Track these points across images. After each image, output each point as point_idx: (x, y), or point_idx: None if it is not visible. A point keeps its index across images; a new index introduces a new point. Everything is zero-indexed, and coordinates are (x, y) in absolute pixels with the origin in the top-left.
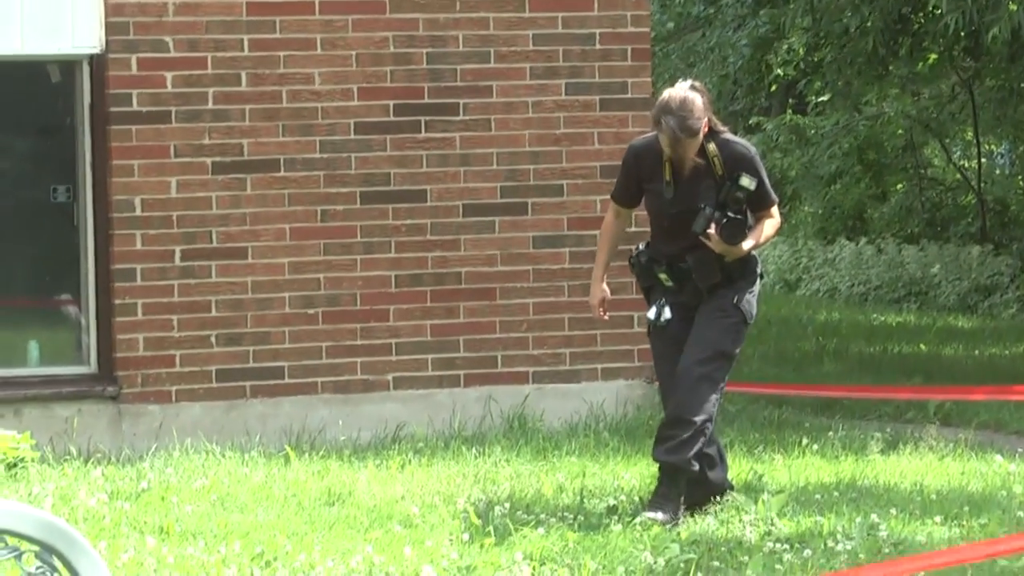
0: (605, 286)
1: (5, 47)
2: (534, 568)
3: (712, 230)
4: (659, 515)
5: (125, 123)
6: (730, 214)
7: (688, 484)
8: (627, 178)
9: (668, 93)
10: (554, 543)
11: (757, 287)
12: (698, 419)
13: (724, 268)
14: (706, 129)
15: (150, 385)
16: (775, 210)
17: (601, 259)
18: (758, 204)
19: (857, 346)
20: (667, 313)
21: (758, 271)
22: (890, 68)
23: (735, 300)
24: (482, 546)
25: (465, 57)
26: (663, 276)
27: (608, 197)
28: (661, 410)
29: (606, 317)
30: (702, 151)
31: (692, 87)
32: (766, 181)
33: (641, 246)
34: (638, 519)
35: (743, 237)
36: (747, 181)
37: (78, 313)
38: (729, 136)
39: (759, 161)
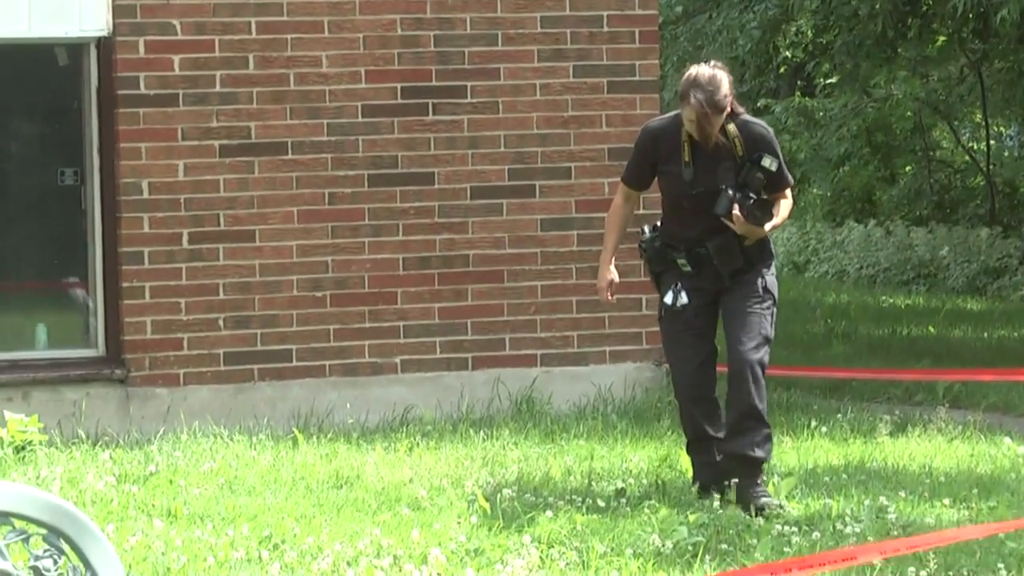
0: (614, 269)
1: (13, 30)
2: (542, 551)
3: (736, 211)
4: (766, 500)
5: (132, 106)
6: (751, 195)
7: (708, 466)
8: (642, 160)
9: (696, 69)
10: (562, 526)
11: (774, 267)
12: (765, 409)
13: (745, 252)
14: (729, 109)
15: (158, 368)
16: (789, 192)
17: (610, 242)
18: (776, 185)
19: (866, 328)
20: (684, 298)
21: (774, 252)
22: (899, 50)
23: (763, 284)
24: (490, 529)
25: (473, 40)
26: (681, 261)
27: (618, 179)
28: (670, 393)
29: (614, 300)
30: (723, 132)
31: (715, 66)
32: (783, 162)
33: (647, 229)
34: (750, 508)
35: (770, 218)
36: (768, 162)
37: (86, 296)
38: (748, 117)
39: (776, 142)
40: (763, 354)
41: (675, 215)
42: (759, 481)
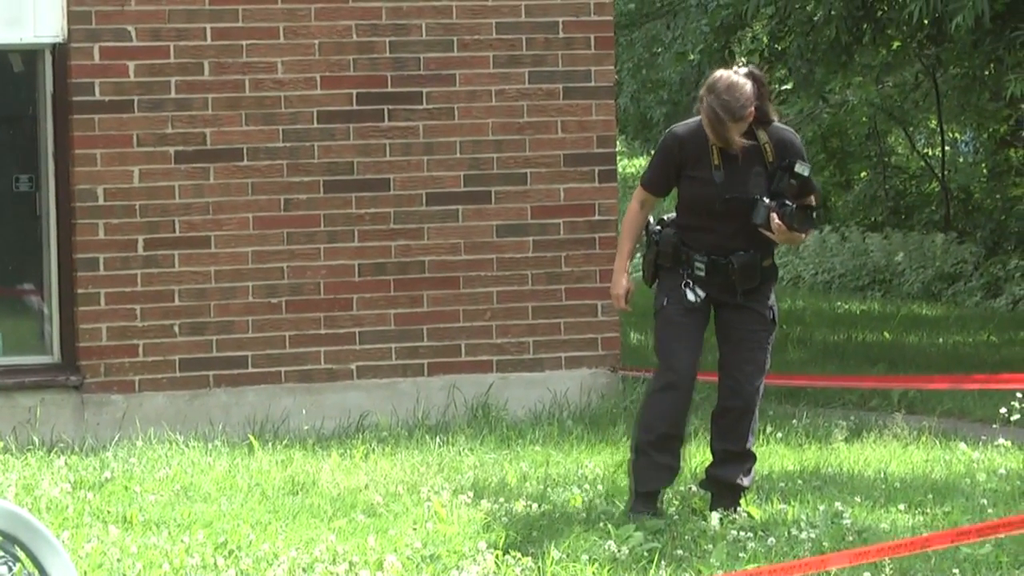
0: (628, 276)
1: None
2: (497, 556)
3: (776, 220)
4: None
5: (87, 112)
6: (786, 202)
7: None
8: (667, 165)
9: (719, 73)
10: (518, 532)
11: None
12: (754, 444)
13: (762, 270)
14: (754, 115)
15: (113, 374)
16: (813, 199)
17: (627, 250)
18: (805, 191)
19: (821, 334)
20: (700, 292)
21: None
22: (854, 56)
23: (773, 313)
24: (445, 535)
25: (428, 45)
26: (699, 264)
27: (574, 185)
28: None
29: (629, 308)
30: (753, 137)
31: (749, 73)
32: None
33: (652, 219)
34: (726, 515)
35: (812, 225)
36: (801, 167)
37: (41, 302)
38: (779, 124)
39: (803, 148)
40: (760, 390)
41: (700, 220)
42: (736, 497)
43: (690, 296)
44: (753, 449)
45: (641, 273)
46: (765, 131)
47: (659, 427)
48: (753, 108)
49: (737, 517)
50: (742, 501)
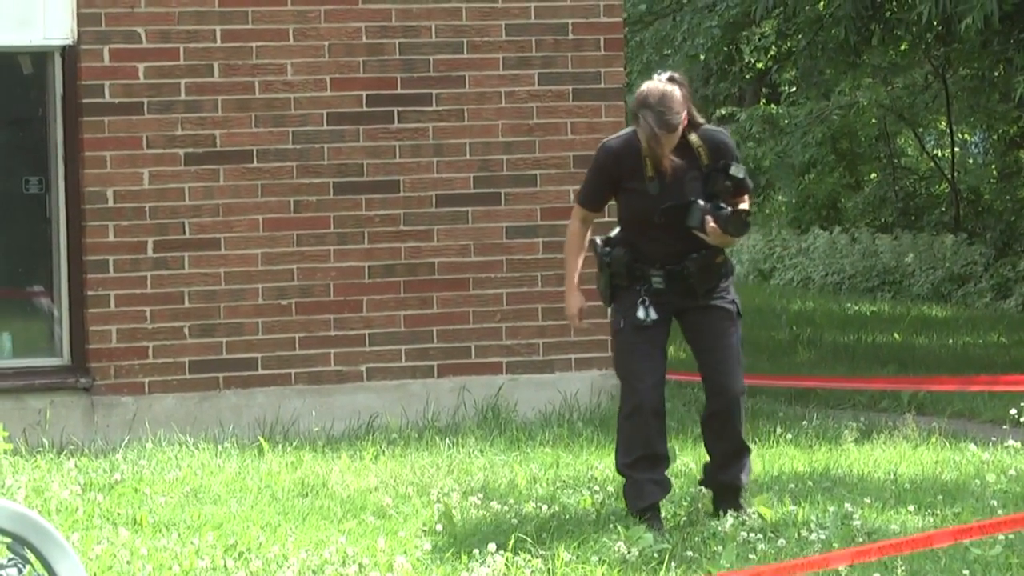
0: (581, 294)
1: None
2: (507, 558)
3: (711, 223)
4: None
5: (97, 114)
6: (722, 205)
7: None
8: (601, 180)
9: (647, 87)
10: (528, 533)
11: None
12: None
13: (717, 268)
14: (686, 121)
15: (123, 377)
16: (748, 198)
17: (574, 267)
18: (740, 192)
19: (831, 335)
20: (653, 312)
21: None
22: (863, 56)
23: (736, 306)
24: (455, 537)
25: (438, 47)
26: (656, 278)
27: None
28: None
29: (586, 325)
30: (686, 143)
31: (671, 79)
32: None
33: (599, 240)
34: (736, 516)
35: (747, 228)
36: (736, 169)
37: (50, 305)
38: (708, 126)
39: (736, 148)
40: (743, 383)
41: (643, 232)
42: (742, 504)
43: (641, 314)
44: (748, 442)
45: (600, 296)
46: (696, 134)
47: (635, 451)
48: (685, 114)
49: (747, 518)
50: (743, 499)
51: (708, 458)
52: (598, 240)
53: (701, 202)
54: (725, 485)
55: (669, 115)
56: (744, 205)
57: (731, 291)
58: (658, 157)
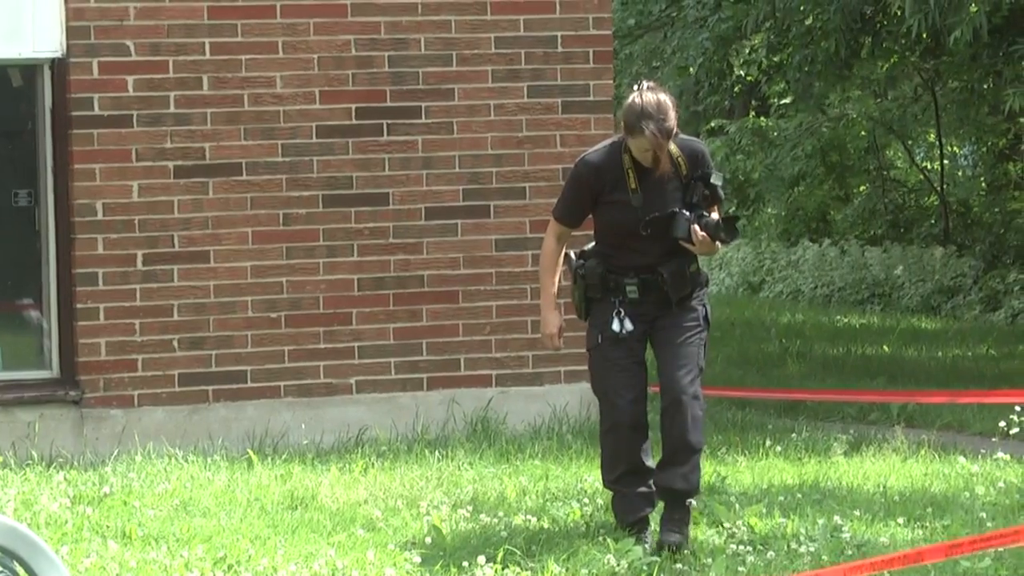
0: (559, 312)
1: None
2: (497, 571)
3: (699, 232)
4: (678, 537)
5: (86, 127)
6: (704, 213)
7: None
8: (582, 195)
9: (641, 98)
10: (517, 546)
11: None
12: (701, 440)
13: (691, 277)
14: None
15: (113, 389)
16: (718, 208)
17: (551, 286)
18: (715, 201)
19: (821, 348)
20: (629, 324)
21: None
22: (853, 69)
23: (704, 312)
24: (445, 549)
25: (427, 60)
26: (630, 288)
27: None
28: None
29: (562, 346)
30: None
31: (655, 88)
32: None
33: (575, 256)
34: (655, 542)
35: (739, 234)
36: (716, 178)
37: (40, 317)
38: (684, 135)
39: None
40: (698, 386)
41: (622, 243)
42: (678, 516)
43: (615, 327)
44: (699, 446)
45: (575, 310)
46: (675, 144)
47: (620, 466)
48: None
49: (676, 541)
50: (684, 513)
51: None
52: (572, 254)
53: (685, 212)
54: (663, 487)
55: (668, 122)
56: (715, 215)
57: (704, 300)
58: (661, 164)
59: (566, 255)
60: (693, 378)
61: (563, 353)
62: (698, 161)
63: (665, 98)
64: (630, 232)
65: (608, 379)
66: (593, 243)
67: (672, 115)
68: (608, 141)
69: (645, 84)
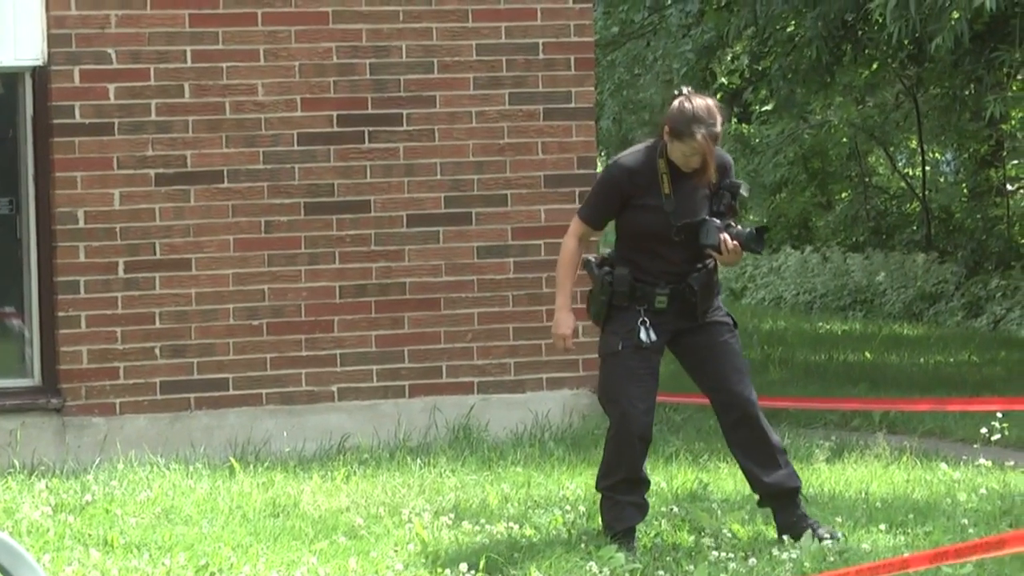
0: (573, 314)
1: None
2: None
3: (729, 241)
4: (828, 527)
5: (68, 135)
6: (731, 223)
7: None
8: (612, 198)
9: (691, 102)
10: (499, 553)
11: None
12: (780, 440)
13: (715, 285)
14: None
15: (94, 397)
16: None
17: (568, 288)
18: (732, 211)
19: (803, 354)
20: (653, 334)
21: None
22: (835, 76)
23: (729, 315)
24: (427, 557)
25: (408, 67)
26: (660, 297)
27: (554, 207)
28: (607, 421)
29: (574, 348)
30: None
31: (704, 95)
32: None
33: (593, 259)
34: (813, 544)
35: (763, 245)
36: (744, 189)
37: (21, 325)
38: None
39: None
40: (754, 392)
41: (649, 249)
42: (801, 511)
43: (643, 336)
44: (781, 444)
45: (588, 312)
46: None
47: (618, 473)
48: None
49: (827, 536)
50: (802, 502)
51: (748, 475)
52: (591, 259)
53: (714, 220)
54: (777, 489)
55: (717, 127)
56: (746, 226)
57: (723, 307)
58: (710, 169)
59: (585, 260)
60: (749, 385)
61: (545, 360)
62: (726, 171)
63: (713, 103)
64: (660, 238)
65: (624, 388)
66: (613, 249)
67: (720, 120)
68: (642, 145)
69: (686, 89)
